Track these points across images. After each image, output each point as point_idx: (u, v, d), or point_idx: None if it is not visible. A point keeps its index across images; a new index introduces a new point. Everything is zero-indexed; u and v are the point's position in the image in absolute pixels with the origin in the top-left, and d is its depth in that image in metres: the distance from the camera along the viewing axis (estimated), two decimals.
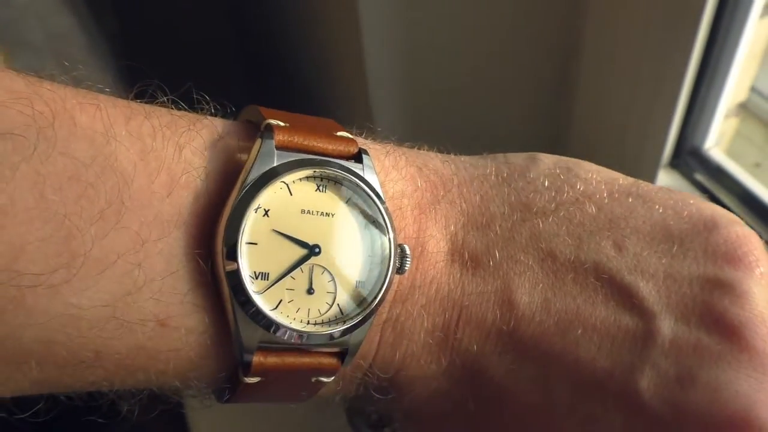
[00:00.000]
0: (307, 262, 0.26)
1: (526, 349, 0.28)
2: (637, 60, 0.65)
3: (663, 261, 0.29)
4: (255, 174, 0.25)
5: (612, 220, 0.30)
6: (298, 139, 0.27)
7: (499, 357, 0.28)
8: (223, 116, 0.28)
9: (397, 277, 0.28)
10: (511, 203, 0.30)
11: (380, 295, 0.27)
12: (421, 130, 0.85)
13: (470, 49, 0.78)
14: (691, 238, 0.29)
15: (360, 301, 0.27)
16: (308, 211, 0.26)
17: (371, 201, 0.27)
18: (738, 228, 0.30)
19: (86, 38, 0.88)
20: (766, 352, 0.26)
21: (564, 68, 0.75)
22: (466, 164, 0.32)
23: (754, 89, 0.69)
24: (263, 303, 0.25)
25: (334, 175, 0.27)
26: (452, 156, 0.32)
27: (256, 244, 0.25)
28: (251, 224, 0.25)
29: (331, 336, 0.26)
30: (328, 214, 0.27)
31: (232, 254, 0.24)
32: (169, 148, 0.25)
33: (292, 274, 0.26)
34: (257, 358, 0.25)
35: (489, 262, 0.29)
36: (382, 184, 0.28)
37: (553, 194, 0.30)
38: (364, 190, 0.27)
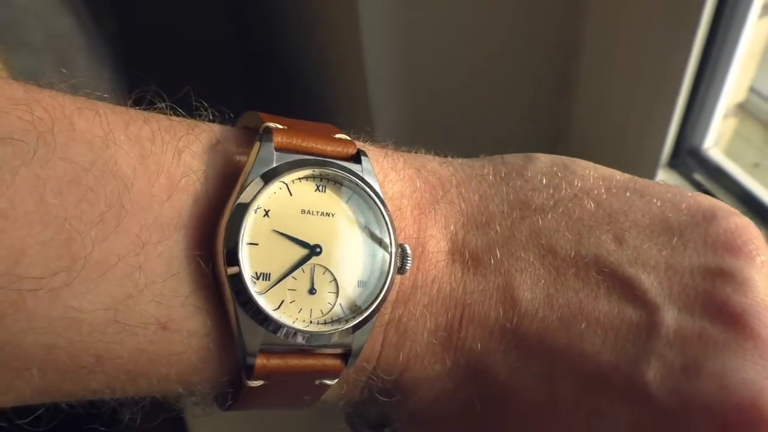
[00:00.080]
0: (308, 262, 0.26)
1: (530, 346, 0.28)
2: (637, 60, 0.65)
3: (663, 253, 0.29)
4: (254, 175, 0.25)
5: (611, 215, 0.30)
6: (296, 141, 0.27)
7: (504, 355, 0.28)
8: (222, 122, 0.28)
9: (398, 277, 0.28)
10: (510, 201, 0.30)
11: (382, 295, 0.27)
12: (421, 130, 0.85)
13: (470, 49, 0.78)
14: (690, 229, 0.29)
15: (362, 300, 0.27)
16: (308, 212, 0.26)
17: (371, 200, 0.27)
18: (737, 218, 0.30)
19: (85, 39, 0.88)
20: None
21: (563, 68, 0.75)
22: (463, 165, 0.32)
23: (752, 89, 0.69)
24: (265, 303, 0.25)
25: (334, 175, 0.27)
26: (449, 158, 0.33)
27: (256, 244, 0.25)
28: (251, 225, 0.25)
29: (333, 336, 0.26)
30: (328, 214, 0.27)
31: (233, 256, 0.24)
32: (168, 152, 0.25)
33: (293, 274, 0.26)
34: (260, 361, 0.25)
35: (490, 260, 0.29)
36: (381, 185, 0.28)
37: (551, 191, 0.30)
38: (363, 190, 0.27)
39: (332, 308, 0.26)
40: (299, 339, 0.26)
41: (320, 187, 0.27)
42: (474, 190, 0.31)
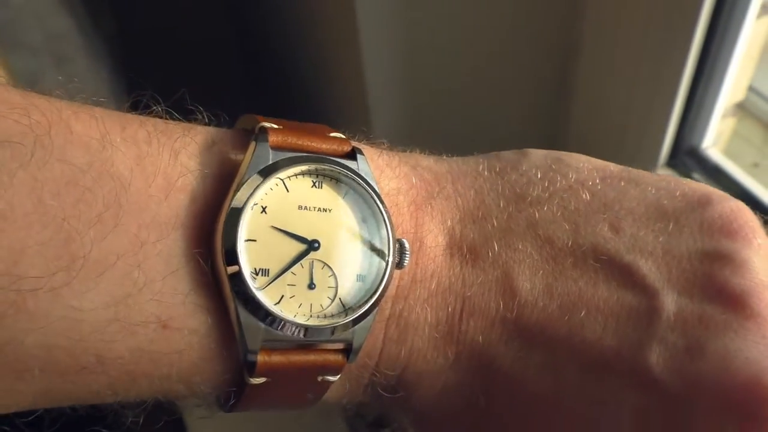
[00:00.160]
0: (307, 258, 0.26)
1: (532, 336, 0.28)
2: (635, 60, 0.65)
3: (660, 239, 0.29)
4: (251, 173, 0.25)
5: (606, 204, 0.30)
6: (292, 140, 0.27)
7: (506, 346, 0.28)
8: (218, 125, 0.28)
9: (397, 272, 0.28)
10: (505, 195, 0.30)
11: (381, 287, 0.27)
12: (419, 131, 0.85)
13: (468, 49, 0.78)
14: (686, 215, 0.29)
15: (362, 294, 0.27)
16: (306, 207, 0.27)
17: (368, 196, 0.28)
18: (731, 202, 0.30)
19: (84, 39, 0.88)
20: None
21: (562, 68, 0.75)
22: (458, 162, 0.32)
23: (752, 89, 0.69)
24: (265, 299, 0.25)
25: (330, 171, 0.27)
26: (443, 157, 0.33)
27: (255, 240, 0.25)
28: (249, 221, 0.25)
29: (334, 329, 0.26)
30: (325, 210, 0.27)
31: (231, 254, 0.24)
32: (165, 153, 0.25)
33: (292, 269, 0.26)
34: (262, 357, 0.25)
35: (488, 253, 0.29)
36: (377, 182, 0.28)
37: (546, 184, 0.30)
38: (360, 186, 0.28)
39: (332, 303, 0.27)
40: (300, 333, 0.26)
41: (317, 184, 0.27)
42: (469, 186, 0.31)
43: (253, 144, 0.26)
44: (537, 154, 0.32)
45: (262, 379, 0.26)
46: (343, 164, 0.28)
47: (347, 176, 0.27)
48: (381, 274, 0.27)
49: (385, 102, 0.83)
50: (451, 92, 0.82)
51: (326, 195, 0.27)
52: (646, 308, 0.27)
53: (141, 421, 0.27)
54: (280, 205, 0.26)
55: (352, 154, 0.28)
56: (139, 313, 0.23)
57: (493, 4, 0.73)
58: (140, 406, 0.27)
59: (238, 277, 0.24)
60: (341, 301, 0.27)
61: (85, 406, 0.26)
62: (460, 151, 0.34)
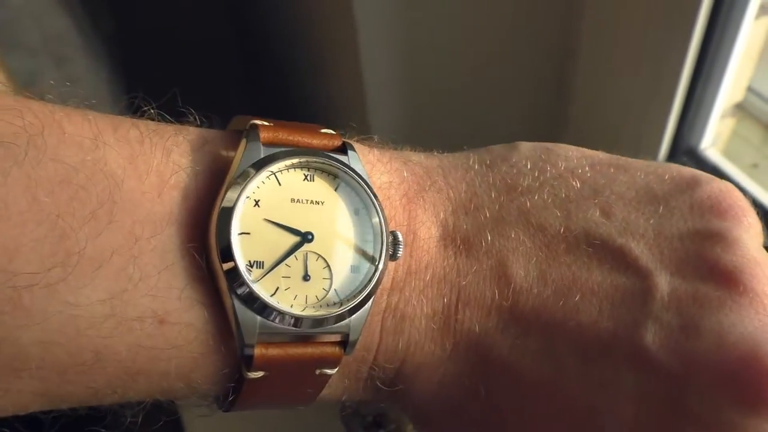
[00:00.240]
0: (300, 249, 0.26)
1: (528, 322, 0.28)
2: (634, 60, 0.65)
3: (651, 221, 0.29)
4: (242, 167, 0.26)
5: (596, 190, 0.30)
6: (282, 136, 0.27)
7: (503, 334, 0.28)
8: (210, 128, 0.29)
9: (392, 264, 0.28)
10: (496, 186, 0.31)
11: (376, 278, 0.27)
12: (417, 130, 0.85)
13: (466, 50, 0.78)
14: (675, 197, 0.30)
15: (356, 285, 0.27)
16: (298, 200, 0.27)
17: (360, 188, 0.28)
18: (719, 183, 0.30)
19: (82, 39, 0.88)
20: (765, 292, 0.27)
21: (561, 68, 0.75)
22: (448, 157, 0.33)
23: (751, 89, 0.69)
24: (260, 291, 0.25)
25: (321, 163, 0.28)
26: (434, 153, 0.33)
27: (249, 233, 0.25)
28: (242, 215, 0.25)
29: (330, 320, 0.26)
30: (318, 202, 0.27)
31: (226, 247, 0.25)
32: (157, 152, 0.25)
33: (286, 261, 0.26)
34: (259, 351, 0.25)
35: (481, 243, 0.29)
36: (368, 176, 0.29)
37: (536, 174, 0.31)
38: (352, 178, 0.28)
39: (327, 294, 0.27)
40: (296, 324, 0.26)
41: (308, 177, 0.27)
42: (460, 179, 0.31)
43: (244, 141, 0.27)
44: (526, 146, 0.32)
45: (260, 373, 0.26)
46: (335, 158, 0.28)
47: (339, 169, 0.28)
48: (375, 265, 0.27)
49: (383, 102, 0.83)
50: (449, 92, 0.82)
51: (318, 188, 0.28)
52: (640, 289, 0.27)
53: (139, 421, 0.27)
54: (273, 198, 0.26)
55: (343, 149, 0.29)
56: (136, 308, 0.24)
57: (490, 5, 0.73)
58: (139, 405, 0.27)
59: (233, 272, 0.25)
60: (336, 292, 0.27)
61: (84, 407, 0.26)
62: (457, 150, 0.34)
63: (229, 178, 0.26)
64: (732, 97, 0.67)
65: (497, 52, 0.77)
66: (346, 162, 0.28)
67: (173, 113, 0.28)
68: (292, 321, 0.26)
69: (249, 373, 0.26)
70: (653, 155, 0.67)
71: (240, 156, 0.26)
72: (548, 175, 0.31)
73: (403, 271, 0.29)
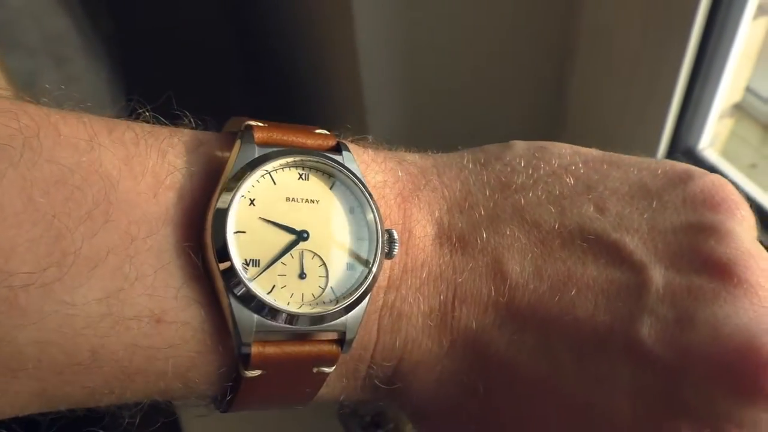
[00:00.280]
0: (296, 248, 0.27)
1: (525, 318, 0.28)
2: (632, 60, 0.65)
3: (645, 216, 0.29)
4: (237, 167, 0.26)
5: (590, 186, 0.30)
6: (277, 136, 0.28)
7: (500, 330, 0.28)
8: (205, 130, 0.29)
9: (388, 262, 0.29)
10: (491, 184, 0.31)
11: (371, 275, 0.27)
12: (416, 130, 0.85)
13: (464, 49, 0.78)
14: (668, 191, 0.30)
15: (352, 282, 0.27)
16: (293, 199, 0.27)
17: (355, 186, 0.28)
18: (712, 177, 0.31)
19: (82, 39, 0.88)
20: (759, 283, 0.27)
21: (559, 68, 0.75)
22: (443, 157, 0.33)
23: (749, 90, 0.69)
24: (257, 288, 0.25)
25: (316, 162, 0.28)
26: (429, 153, 0.33)
27: (244, 232, 0.26)
28: (238, 213, 0.25)
29: (326, 317, 0.26)
30: (313, 201, 0.27)
31: (223, 248, 0.25)
32: (153, 154, 0.25)
33: (282, 260, 0.26)
34: (256, 349, 0.25)
35: (477, 240, 0.29)
36: (363, 175, 0.29)
37: (530, 171, 0.31)
38: (347, 176, 0.28)
39: (323, 291, 0.27)
40: (293, 322, 0.26)
41: (303, 176, 0.28)
42: (455, 177, 0.31)
43: (238, 141, 0.27)
44: (520, 145, 0.33)
45: (257, 372, 0.26)
46: (329, 157, 0.28)
47: (334, 167, 0.28)
48: (370, 262, 0.28)
49: (382, 101, 0.83)
50: (447, 91, 0.82)
51: (313, 186, 0.28)
52: (635, 283, 0.28)
53: (137, 422, 0.27)
54: (268, 197, 0.27)
55: (337, 149, 0.29)
56: (132, 307, 0.24)
57: (488, 6, 0.73)
58: (136, 406, 0.27)
59: (229, 271, 0.25)
60: (332, 290, 0.27)
61: (82, 408, 0.26)
62: (454, 150, 0.34)
63: (224, 178, 0.26)
64: (730, 98, 0.67)
65: (495, 52, 0.77)
66: (341, 161, 0.28)
67: (171, 115, 0.28)
68: (289, 318, 0.26)
69: (246, 372, 0.26)
70: (651, 155, 0.66)
71: (235, 156, 0.26)
72: (542, 172, 0.31)
73: (399, 269, 0.29)
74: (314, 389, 0.29)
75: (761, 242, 0.30)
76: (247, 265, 0.25)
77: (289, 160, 0.27)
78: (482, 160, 0.32)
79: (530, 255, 0.29)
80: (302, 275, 0.27)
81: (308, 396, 0.29)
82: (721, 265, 0.27)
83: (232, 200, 0.25)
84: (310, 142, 0.28)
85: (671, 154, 0.67)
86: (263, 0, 1.09)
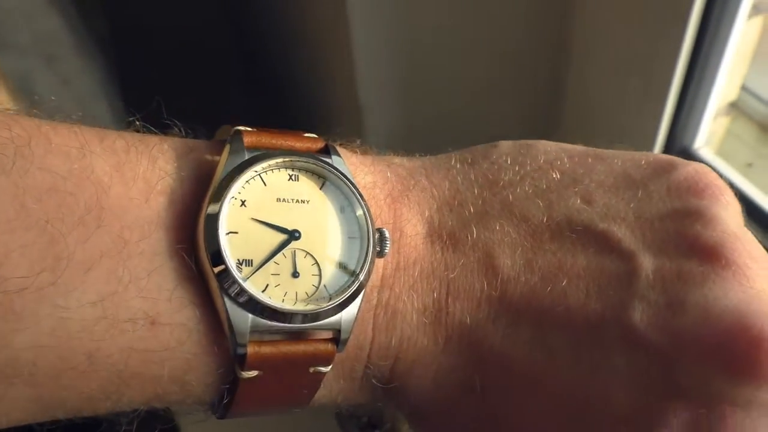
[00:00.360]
0: (288, 247, 0.27)
1: (518, 310, 0.28)
2: (627, 60, 0.65)
3: (631, 205, 0.30)
4: (227, 169, 0.26)
5: (576, 179, 0.31)
6: (266, 140, 0.28)
7: (494, 323, 0.29)
8: (194, 138, 0.29)
9: (380, 261, 0.29)
10: (479, 182, 0.31)
11: (364, 272, 0.28)
12: (411, 128, 0.85)
13: (459, 49, 0.78)
14: (653, 181, 0.30)
15: (345, 279, 0.28)
16: (284, 200, 0.27)
17: (345, 186, 0.28)
18: (695, 165, 0.31)
19: (75, 39, 0.88)
20: (747, 264, 0.27)
21: (554, 68, 0.75)
22: (430, 159, 0.33)
23: (745, 88, 0.69)
24: (251, 287, 0.25)
25: (305, 163, 0.28)
26: (416, 156, 0.34)
27: (236, 233, 0.26)
28: (229, 215, 0.26)
29: (321, 314, 0.27)
30: (303, 201, 0.28)
31: (216, 252, 0.25)
32: (143, 160, 0.26)
33: (275, 259, 0.26)
34: (252, 349, 0.25)
35: (467, 237, 0.30)
36: (353, 176, 0.29)
37: (517, 168, 0.31)
38: (336, 176, 0.28)
39: (317, 290, 0.27)
40: (287, 320, 0.26)
41: (293, 177, 0.28)
42: (443, 177, 0.32)
43: (228, 146, 0.27)
44: (506, 144, 0.33)
45: (253, 373, 0.26)
46: (319, 157, 0.28)
47: (323, 168, 0.28)
48: (363, 259, 0.28)
49: (378, 101, 0.83)
50: (443, 91, 0.82)
51: (304, 187, 0.28)
52: (625, 270, 0.28)
53: (134, 429, 0.27)
54: (259, 198, 0.27)
55: (326, 151, 0.29)
56: (127, 310, 0.24)
57: (485, 5, 0.73)
58: (134, 412, 0.27)
59: (224, 271, 0.25)
60: (326, 288, 0.27)
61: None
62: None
63: (214, 181, 0.26)
64: (726, 96, 0.67)
65: (490, 53, 0.78)
66: (330, 162, 0.29)
67: (170, 115, 0.28)
68: (284, 317, 0.26)
69: (243, 373, 0.26)
70: None
71: (225, 159, 0.27)
72: (528, 168, 0.31)
73: (391, 267, 0.29)
74: (311, 390, 0.29)
75: (766, 247, 0.30)
76: (241, 264, 0.26)
77: (279, 161, 0.28)
78: (469, 160, 0.32)
79: (520, 249, 0.29)
80: (295, 274, 0.27)
81: (306, 398, 0.29)
82: (708, 249, 0.27)
83: (223, 201, 0.26)
84: (299, 145, 0.29)
85: (667, 153, 0.67)
86: (259, 0, 1.09)
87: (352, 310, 0.27)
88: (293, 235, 0.27)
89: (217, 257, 0.25)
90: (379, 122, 0.84)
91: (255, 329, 0.25)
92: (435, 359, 0.29)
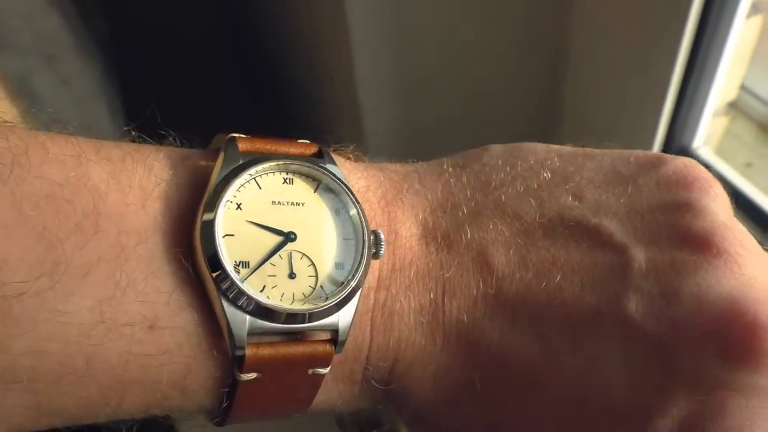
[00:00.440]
0: (284, 249, 0.27)
1: (514, 307, 0.29)
2: (626, 59, 0.65)
3: (621, 200, 0.30)
4: (222, 174, 0.27)
5: (566, 177, 0.31)
6: (260, 145, 0.29)
7: (491, 321, 0.29)
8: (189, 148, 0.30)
9: (375, 262, 0.29)
10: (471, 185, 0.32)
11: (360, 271, 0.28)
12: (411, 128, 0.85)
13: (458, 49, 0.78)
14: (642, 176, 0.31)
15: (341, 280, 0.28)
16: (279, 202, 0.28)
17: (339, 188, 0.29)
18: (683, 159, 0.32)
19: (75, 39, 0.88)
20: (738, 252, 0.28)
21: (553, 68, 0.75)
22: (423, 164, 0.34)
23: (744, 88, 0.69)
24: (248, 288, 0.26)
25: (299, 166, 0.29)
26: (409, 162, 0.34)
27: (233, 235, 0.26)
28: (225, 218, 0.26)
29: (318, 314, 0.27)
30: (298, 204, 0.28)
31: (213, 256, 0.25)
32: (139, 168, 0.26)
33: (271, 260, 0.27)
34: (250, 350, 0.26)
35: (461, 237, 0.30)
36: (346, 180, 0.30)
37: (508, 169, 0.32)
38: (330, 179, 0.29)
39: (313, 290, 0.27)
40: (285, 321, 0.26)
41: (288, 180, 0.28)
42: (436, 181, 0.32)
43: (223, 152, 0.27)
44: (497, 147, 0.34)
45: (252, 375, 0.26)
46: (313, 160, 0.29)
47: (318, 171, 0.29)
48: (358, 259, 0.28)
49: (377, 101, 0.83)
50: (442, 91, 0.82)
51: (298, 190, 0.29)
52: (618, 263, 0.28)
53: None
54: (254, 201, 0.27)
55: (320, 155, 0.30)
56: (125, 314, 0.24)
57: (484, 5, 0.73)
58: (134, 419, 0.27)
59: (221, 273, 0.25)
60: (322, 288, 0.28)
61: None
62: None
63: (210, 185, 0.26)
64: (725, 96, 0.67)
65: (489, 53, 0.77)
66: (324, 165, 0.29)
67: (168, 120, 0.28)
68: (281, 317, 0.26)
69: (242, 375, 0.26)
70: None
71: (220, 164, 0.27)
72: (519, 169, 0.32)
73: (387, 269, 0.29)
74: (311, 393, 0.29)
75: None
76: (238, 266, 0.26)
77: (273, 164, 0.28)
78: (461, 164, 0.33)
79: (514, 246, 0.30)
80: (292, 275, 0.27)
81: (305, 401, 0.29)
82: (699, 238, 0.28)
83: (219, 205, 0.26)
84: (293, 150, 0.29)
85: (666, 152, 0.67)
86: (258, 0, 1.08)
87: (349, 310, 0.28)
88: (289, 236, 0.27)
89: (215, 260, 0.25)
90: (378, 122, 0.84)
91: (253, 331, 0.26)
92: (433, 359, 0.29)
